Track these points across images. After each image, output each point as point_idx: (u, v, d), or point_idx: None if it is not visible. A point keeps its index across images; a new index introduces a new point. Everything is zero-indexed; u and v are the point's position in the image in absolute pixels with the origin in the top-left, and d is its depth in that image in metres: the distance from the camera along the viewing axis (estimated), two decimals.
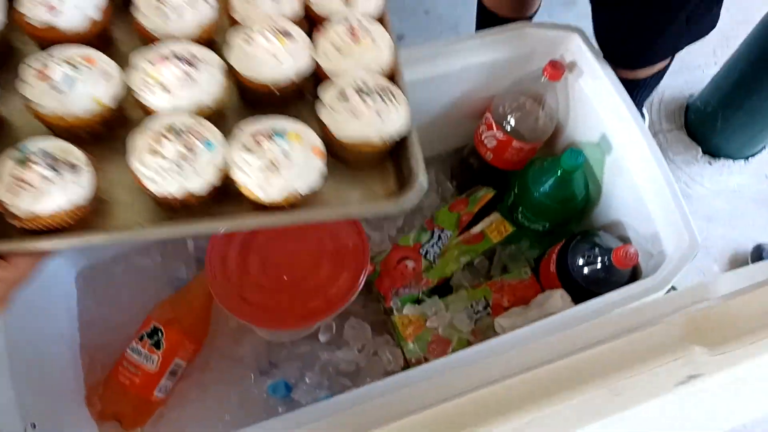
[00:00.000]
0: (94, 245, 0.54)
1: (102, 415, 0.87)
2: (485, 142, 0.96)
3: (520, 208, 0.94)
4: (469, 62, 0.89)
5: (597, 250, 0.83)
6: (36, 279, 0.86)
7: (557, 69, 0.85)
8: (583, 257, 0.84)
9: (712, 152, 1.26)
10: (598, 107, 0.86)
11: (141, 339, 0.88)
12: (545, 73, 0.86)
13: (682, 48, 0.89)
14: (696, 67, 1.40)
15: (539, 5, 1.12)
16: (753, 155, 1.26)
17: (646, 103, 1.31)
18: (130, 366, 0.87)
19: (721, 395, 0.30)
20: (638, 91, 0.94)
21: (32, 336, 0.81)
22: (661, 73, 0.96)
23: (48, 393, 0.82)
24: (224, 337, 0.94)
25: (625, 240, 0.87)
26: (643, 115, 1.28)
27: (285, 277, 0.88)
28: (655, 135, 1.28)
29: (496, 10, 1.10)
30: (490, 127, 0.94)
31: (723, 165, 1.26)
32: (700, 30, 0.86)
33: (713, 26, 0.86)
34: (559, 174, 0.86)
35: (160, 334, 0.88)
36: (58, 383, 0.86)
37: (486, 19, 1.12)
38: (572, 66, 0.88)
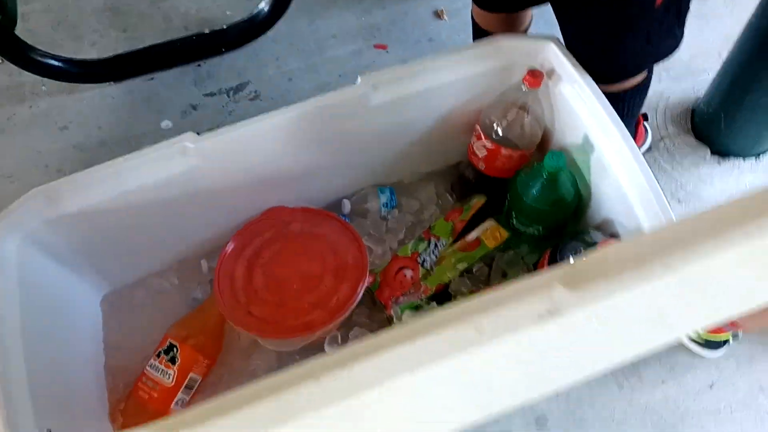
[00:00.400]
0: None
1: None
2: (477, 152, 1.00)
3: (514, 214, 0.97)
4: (454, 77, 0.93)
5: (585, 247, 0.85)
6: (62, 306, 0.94)
7: (536, 77, 0.89)
8: (573, 256, 0.86)
9: (722, 152, 1.25)
10: (578, 110, 0.88)
11: (158, 356, 0.94)
12: (525, 81, 0.90)
13: (647, 66, 0.92)
14: (702, 71, 1.40)
15: (530, 22, 1.16)
16: (764, 152, 1.25)
17: (650, 110, 1.32)
18: (149, 381, 0.93)
19: (581, 333, 0.32)
20: (621, 105, 0.96)
21: (57, 359, 0.87)
22: (639, 88, 0.97)
23: (71, 412, 0.88)
24: (236, 353, 0.99)
25: (616, 237, 0.88)
26: (646, 129, 1.28)
27: (288, 292, 0.93)
28: (660, 140, 1.29)
29: (488, 29, 1.15)
30: (479, 138, 0.98)
31: (733, 164, 1.25)
32: (662, 49, 0.89)
33: (677, 46, 0.89)
34: (544, 177, 0.89)
35: (175, 350, 0.94)
36: (81, 402, 0.92)
37: (481, 38, 1.16)
38: (551, 73, 0.91)
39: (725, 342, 1.06)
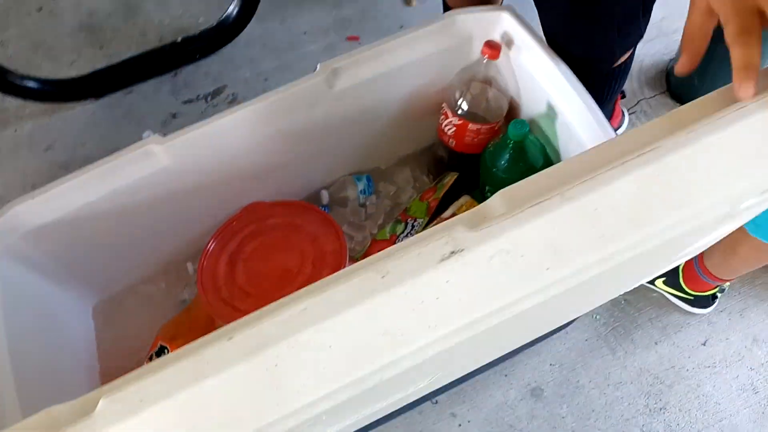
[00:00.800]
0: None
1: None
2: (446, 130, 1.00)
3: (487, 188, 0.97)
4: (412, 56, 0.93)
5: None
6: (52, 318, 0.96)
7: (493, 48, 0.89)
8: None
9: None
10: (538, 77, 0.88)
11: (150, 359, 0.95)
12: (484, 54, 0.90)
13: (617, 57, 0.92)
14: (673, 31, 1.40)
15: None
16: None
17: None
18: None
19: (486, 269, 0.33)
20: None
21: (50, 371, 0.88)
22: (619, 70, 0.97)
23: None
24: None
25: None
26: (623, 111, 1.27)
27: (270, 284, 0.94)
28: (637, 103, 1.28)
29: (457, 8, 1.15)
30: (446, 116, 0.98)
31: None
32: (629, 41, 0.91)
33: (641, 36, 0.90)
34: (510, 146, 0.89)
35: (166, 352, 0.95)
36: None
37: None
38: (510, 43, 0.91)
39: (714, 297, 1.06)
